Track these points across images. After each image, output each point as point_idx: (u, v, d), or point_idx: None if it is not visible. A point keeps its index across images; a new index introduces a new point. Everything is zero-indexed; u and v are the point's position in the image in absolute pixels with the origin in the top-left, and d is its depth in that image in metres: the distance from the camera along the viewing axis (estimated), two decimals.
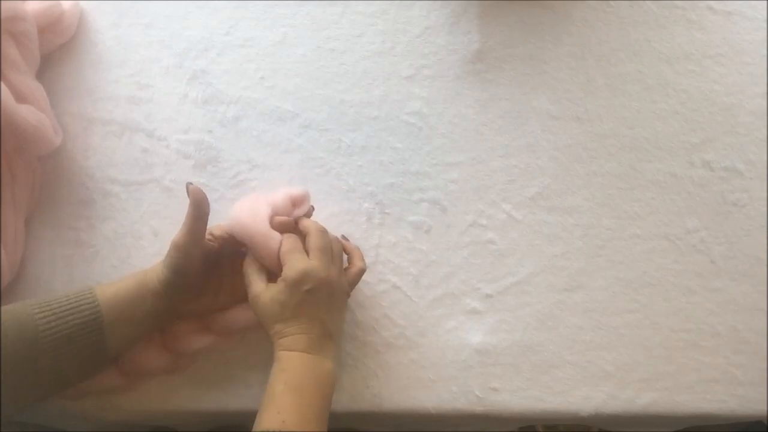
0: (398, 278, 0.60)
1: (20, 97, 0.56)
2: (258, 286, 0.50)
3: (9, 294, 0.59)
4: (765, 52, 0.66)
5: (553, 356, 0.59)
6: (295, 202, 0.55)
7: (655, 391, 0.58)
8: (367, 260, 0.60)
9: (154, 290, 0.49)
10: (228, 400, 0.57)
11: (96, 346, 0.46)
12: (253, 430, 0.44)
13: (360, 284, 0.58)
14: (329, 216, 0.61)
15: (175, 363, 0.55)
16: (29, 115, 0.55)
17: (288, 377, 0.46)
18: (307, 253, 0.51)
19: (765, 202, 0.63)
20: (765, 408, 0.58)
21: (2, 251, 0.56)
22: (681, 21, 0.67)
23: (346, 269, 0.54)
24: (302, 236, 0.53)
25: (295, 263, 0.49)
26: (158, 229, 0.61)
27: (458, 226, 0.61)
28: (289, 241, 0.51)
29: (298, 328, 0.48)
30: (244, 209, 0.52)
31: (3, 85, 0.52)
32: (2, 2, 0.54)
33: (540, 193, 0.62)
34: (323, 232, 0.52)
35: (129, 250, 0.60)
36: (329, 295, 0.50)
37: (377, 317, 0.59)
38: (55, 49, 0.64)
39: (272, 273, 0.52)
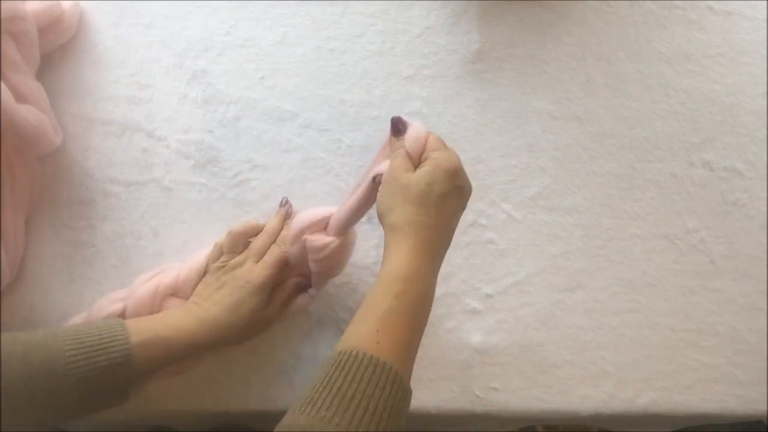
0: None
1: (20, 97, 0.56)
2: (405, 162, 0.45)
3: (9, 294, 0.59)
4: (765, 52, 0.66)
5: (553, 356, 0.59)
6: None
7: (655, 391, 0.58)
8: (367, 260, 0.60)
9: (197, 331, 0.48)
10: (228, 400, 0.57)
11: (123, 384, 0.46)
12: (346, 339, 0.39)
13: (359, 283, 0.58)
14: None
15: (181, 364, 0.55)
16: (29, 115, 0.55)
17: (406, 292, 0.40)
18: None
19: (765, 202, 0.63)
20: (765, 408, 0.58)
21: (2, 251, 0.56)
22: (681, 21, 0.67)
23: None
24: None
25: (452, 155, 0.45)
26: (158, 229, 0.61)
27: (458, 226, 0.61)
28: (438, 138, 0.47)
29: (437, 222, 0.43)
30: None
31: (3, 85, 0.52)
32: (2, 2, 0.54)
33: (540, 193, 0.62)
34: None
35: (129, 250, 0.60)
36: (462, 208, 0.46)
37: None
38: (55, 49, 0.64)
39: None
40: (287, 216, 0.58)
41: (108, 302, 0.55)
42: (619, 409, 0.58)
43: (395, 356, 0.37)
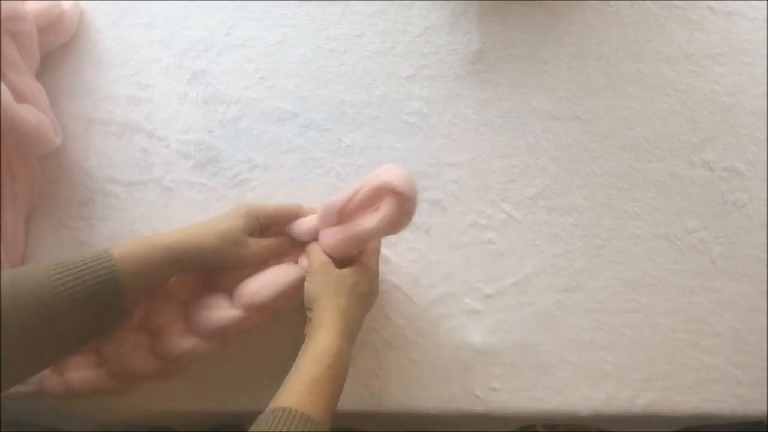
0: (398, 278, 0.60)
1: (20, 97, 0.57)
2: (328, 259, 0.52)
3: None
4: (765, 52, 0.66)
5: (553, 356, 0.59)
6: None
7: (655, 391, 0.58)
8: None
9: (175, 236, 0.49)
10: (228, 400, 0.57)
11: (113, 304, 0.46)
12: (282, 398, 0.44)
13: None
14: None
15: (166, 368, 0.54)
16: (29, 115, 0.55)
17: (334, 365, 0.47)
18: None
19: (765, 202, 0.63)
20: (765, 408, 0.58)
21: (2, 251, 0.56)
22: (681, 21, 0.67)
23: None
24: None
25: (375, 266, 0.54)
26: (158, 229, 0.61)
27: (458, 226, 0.61)
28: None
29: (356, 312, 0.51)
30: None
31: (3, 85, 0.52)
32: (2, 2, 0.54)
33: (540, 193, 0.62)
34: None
35: None
36: (369, 306, 0.55)
37: (377, 317, 0.59)
38: (55, 49, 0.64)
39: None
40: None
41: None
42: (619, 410, 0.58)
43: (323, 414, 0.44)
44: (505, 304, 0.60)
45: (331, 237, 0.53)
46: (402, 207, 0.48)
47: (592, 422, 0.60)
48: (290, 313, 0.58)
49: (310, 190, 0.62)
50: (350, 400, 0.57)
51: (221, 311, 0.53)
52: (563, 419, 0.59)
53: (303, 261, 0.54)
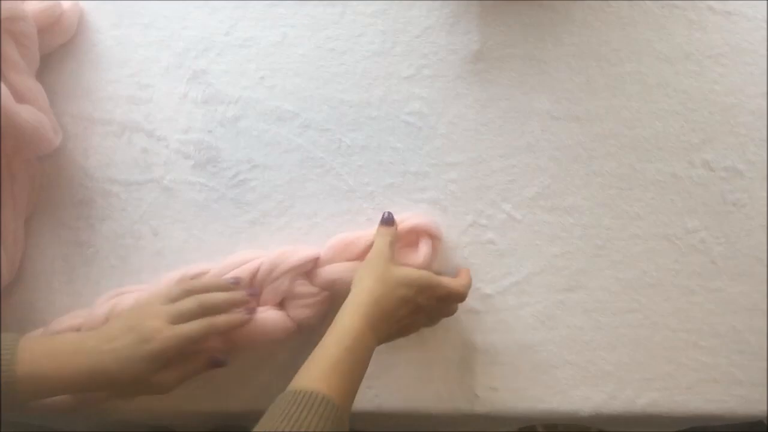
0: None
1: (20, 97, 0.56)
2: (389, 251, 0.54)
3: (9, 294, 0.59)
4: (765, 52, 0.66)
5: (553, 356, 0.59)
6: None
7: (655, 391, 0.58)
8: None
9: (82, 381, 0.46)
10: (228, 400, 0.57)
11: (6, 405, 0.45)
12: (301, 378, 0.45)
13: None
14: (329, 216, 0.61)
15: (83, 400, 0.53)
16: (29, 115, 0.55)
17: (353, 347, 0.47)
18: None
19: (765, 202, 0.63)
20: (765, 408, 0.58)
21: (2, 251, 0.56)
22: (681, 21, 0.67)
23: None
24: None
25: (441, 283, 0.53)
26: (158, 229, 0.61)
27: (458, 226, 0.61)
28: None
29: (390, 312, 0.50)
30: None
31: (3, 85, 0.52)
32: (2, 2, 0.54)
33: (540, 193, 0.62)
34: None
35: (128, 249, 0.60)
36: (412, 323, 0.54)
37: None
38: (55, 49, 0.64)
39: None
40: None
41: (69, 317, 0.55)
42: (619, 409, 0.58)
43: (340, 396, 0.44)
44: (505, 304, 0.60)
45: None
46: (436, 247, 0.59)
47: (592, 422, 0.60)
48: None
49: (310, 190, 0.62)
50: None
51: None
52: (563, 419, 0.59)
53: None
